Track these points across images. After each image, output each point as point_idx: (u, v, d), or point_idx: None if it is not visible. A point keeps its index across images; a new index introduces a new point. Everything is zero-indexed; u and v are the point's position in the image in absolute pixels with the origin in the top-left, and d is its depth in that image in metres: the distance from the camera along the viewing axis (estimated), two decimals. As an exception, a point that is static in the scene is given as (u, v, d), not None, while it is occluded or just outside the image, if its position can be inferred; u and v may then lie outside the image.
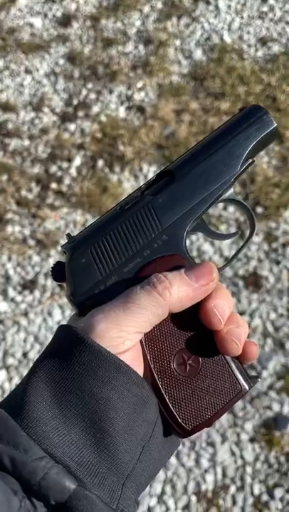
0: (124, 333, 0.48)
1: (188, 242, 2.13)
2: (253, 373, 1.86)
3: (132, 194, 0.57)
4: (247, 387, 0.52)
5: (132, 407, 0.47)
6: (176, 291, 0.50)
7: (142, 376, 0.49)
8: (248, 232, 0.60)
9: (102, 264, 0.53)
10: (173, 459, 1.74)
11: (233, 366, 0.52)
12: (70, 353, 0.47)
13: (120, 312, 0.48)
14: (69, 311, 2.06)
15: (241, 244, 0.58)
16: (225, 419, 1.79)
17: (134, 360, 0.49)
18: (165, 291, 0.49)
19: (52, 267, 0.56)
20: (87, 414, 0.45)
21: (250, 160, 0.57)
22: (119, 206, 0.56)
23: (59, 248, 2.20)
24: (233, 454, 1.74)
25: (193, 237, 2.15)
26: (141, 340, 0.51)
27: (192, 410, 0.51)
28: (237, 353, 0.51)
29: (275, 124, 0.57)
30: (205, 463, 1.73)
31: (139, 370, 0.50)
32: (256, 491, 1.68)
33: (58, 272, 0.55)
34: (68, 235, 0.56)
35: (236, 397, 0.51)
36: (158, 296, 0.49)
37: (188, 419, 0.50)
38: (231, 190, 0.57)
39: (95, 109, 2.59)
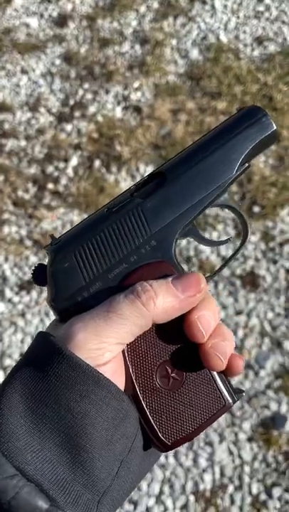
0: (104, 344, 0.45)
1: (184, 242, 2.13)
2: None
3: (121, 195, 0.54)
4: (231, 402, 0.50)
5: (110, 421, 0.45)
6: (162, 302, 0.47)
7: (122, 388, 0.48)
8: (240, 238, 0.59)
9: (86, 269, 0.50)
10: (171, 459, 1.74)
11: (218, 380, 0.50)
12: (47, 364, 0.45)
13: (101, 322, 0.46)
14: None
15: (233, 252, 0.55)
16: (223, 418, 1.79)
17: (115, 372, 0.47)
18: (149, 302, 0.47)
19: (33, 269, 0.53)
20: (63, 429, 0.43)
21: (247, 164, 0.54)
22: (107, 208, 0.52)
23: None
24: (231, 453, 1.74)
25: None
26: (123, 351, 0.49)
27: (173, 424, 0.49)
28: (221, 369, 0.49)
29: (275, 127, 0.54)
30: (203, 462, 1.73)
31: (120, 381, 0.48)
32: (254, 491, 1.68)
33: (39, 275, 0.52)
34: (52, 236, 0.54)
35: (219, 412, 0.50)
36: (141, 307, 0.46)
37: (168, 434, 0.49)
38: (225, 195, 0.54)
39: (92, 109, 2.58)
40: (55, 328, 0.50)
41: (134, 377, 0.49)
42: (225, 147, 0.53)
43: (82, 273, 0.50)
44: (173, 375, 0.50)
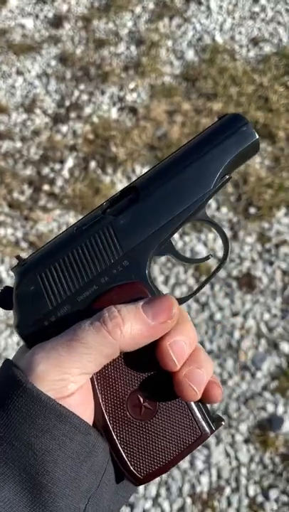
0: (67, 375, 0.42)
1: (180, 244, 2.13)
2: (247, 375, 1.86)
3: (93, 212, 0.50)
4: (208, 432, 0.47)
5: (75, 457, 0.42)
6: (129, 330, 0.44)
7: (90, 420, 0.45)
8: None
9: (54, 293, 0.47)
10: (168, 461, 1.74)
11: (194, 408, 0.47)
12: (8, 397, 0.42)
13: (63, 352, 0.43)
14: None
15: (213, 270, 0.53)
16: (219, 420, 1.79)
17: (81, 404, 0.44)
18: (116, 330, 0.43)
19: None
20: (24, 468, 0.40)
21: (227, 176, 0.51)
22: (76, 226, 0.49)
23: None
24: (227, 455, 1.74)
25: (186, 238, 2.15)
26: (92, 378, 0.46)
27: (145, 457, 0.46)
28: (194, 399, 0.46)
29: (257, 137, 0.50)
30: (200, 465, 1.72)
31: (88, 413, 0.45)
32: (251, 492, 1.67)
33: (5, 299, 0.49)
34: (18, 257, 0.50)
35: (195, 443, 0.47)
36: (107, 335, 0.43)
37: (140, 467, 0.46)
38: (204, 210, 0.51)
39: (87, 110, 2.58)
40: (22, 356, 0.47)
41: (103, 407, 0.46)
42: (202, 160, 0.49)
43: (48, 297, 0.47)
44: (145, 404, 0.47)
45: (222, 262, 0.53)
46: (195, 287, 2.04)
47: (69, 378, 0.43)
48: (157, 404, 0.47)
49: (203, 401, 0.48)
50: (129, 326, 0.44)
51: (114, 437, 0.46)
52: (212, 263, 2.08)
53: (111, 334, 0.43)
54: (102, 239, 0.48)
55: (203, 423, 0.47)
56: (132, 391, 0.47)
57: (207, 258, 0.53)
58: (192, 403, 0.47)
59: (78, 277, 0.48)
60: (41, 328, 0.47)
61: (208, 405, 0.49)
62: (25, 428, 0.41)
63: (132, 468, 0.46)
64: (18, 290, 0.48)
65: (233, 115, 0.51)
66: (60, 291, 0.47)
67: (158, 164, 0.52)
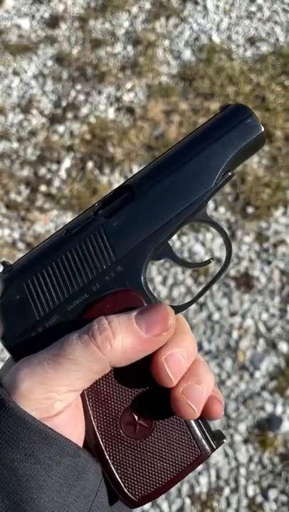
0: (53, 393, 0.39)
1: (177, 244, 2.12)
2: (246, 375, 1.85)
3: (84, 213, 0.46)
4: (209, 451, 0.43)
5: (62, 482, 0.39)
6: (120, 344, 0.40)
7: (80, 441, 0.42)
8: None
9: (41, 302, 0.43)
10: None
11: (193, 426, 0.43)
12: None
13: (49, 368, 0.39)
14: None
15: (216, 274, 0.48)
16: (218, 421, 1.78)
17: (69, 424, 0.41)
18: (105, 344, 0.40)
19: None
20: (7, 494, 0.37)
21: (230, 173, 0.46)
22: (66, 229, 0.45)
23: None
24: (226, 455, 1.73)
25: (184, 238, 2.14)
26: (82, 394, 0.43)
27: (141, 478, 0.43)
28: (192, 418, 0.42)
29: (262, 129, 0.46)
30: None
31: (77, 433, 0.42)
32: (250, 493, 1.67)
33: None
34: (3, 263, 0.46)
35: (195, 463, 0.43)
36: (96, 350, 0.39)
37: (135, 489, 0.43)
38: (204, 210, 0.47)
39: (84, 110, 2.57)
40: (7, 370, 0.43)
41: (95, 425, 0.43)
42: (202, 155, 0.45)
43: (35, 306, 0.43)
44: (140, 421, 0.43)
45: (225, 266, 0.47)
46: (193, 288, 2.03)
47: (55, 397, 0.39)
48: (153, 422, 0.43)
49: (203, 418, 0.44)
50: (120, 340, 0.40)
51: (107, 457, 0.43)
52: (211, 265, 2.07)
53: (100, 349, 0.40)
54: (93, 243, 0.44)
55: (203, 441, 0.43)
56: (125, 408, 0.43)
57: (208, 262, 0.48)
58: (191, 421, 0.44)
59: (68, 285, 0.44)
60: (28, 340, 0.43)
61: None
62: (8, 451, 0.38)
63: (126, 490, 0.43)
64: (3, 299, 0.44)
65: (236, 106, 0.47)
66: (49, 300, 0.44)
67: (154, 161, 0.47)
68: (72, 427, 0.41)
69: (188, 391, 0.41)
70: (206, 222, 0.47)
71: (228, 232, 2.15)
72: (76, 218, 0.46)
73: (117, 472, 0.43)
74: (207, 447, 0.43)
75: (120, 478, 0.43)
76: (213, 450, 0.44)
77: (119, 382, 0.43)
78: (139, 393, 0.44)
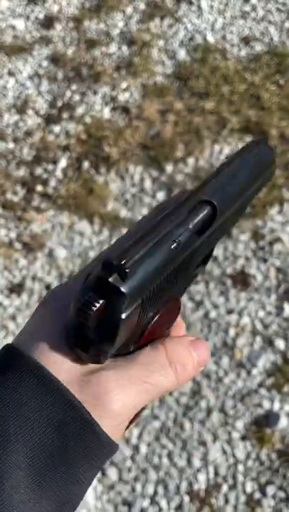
0: (130, 417, 0.38)
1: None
2: (243, 372, 1.86)
3: (171, 216, 0.40)
4: None
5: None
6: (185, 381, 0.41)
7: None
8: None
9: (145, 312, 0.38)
10: (165, 460, 1.74)
11: None
12: (65, 436, 0.34)
13: (138, 397, 0.37)
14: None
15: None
16: (216, 418, 1.79)
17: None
18: (183, 382, 0.40)
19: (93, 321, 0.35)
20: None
21: None
22: (176, 243, 0.39)
23: (46, 251, 2.19)
24: (224, 452, 1.74)
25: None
26: None
27: None
28: None
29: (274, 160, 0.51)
30: (197, 462, 1.73)
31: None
32: (248, 489, 1.68)
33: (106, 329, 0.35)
34: (109, 263, 0.35)
35: None
36: (176, 384, 0.40)
37: None
38: None
39: (80, 110, 2.58)
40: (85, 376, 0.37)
41: None
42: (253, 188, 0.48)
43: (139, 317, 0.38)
44: None
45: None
46: (192, 287, 2.04)
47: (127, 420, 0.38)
48: None
49: None
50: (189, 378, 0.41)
51: None
52: (209, 265, 2.08)
53: (178, 384, 0.40)
54: (190, 260, 0.41)
55: None
56: None
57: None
58: None
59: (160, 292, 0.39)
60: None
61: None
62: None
63: None
64: (130, 317, 0.36)
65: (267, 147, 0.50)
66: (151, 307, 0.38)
67: (222, 173, 0.45)
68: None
69: None
70: None
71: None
72: (167, 221, 0.40)
73: None
74: None
75: None
76: None
77: None
78: None
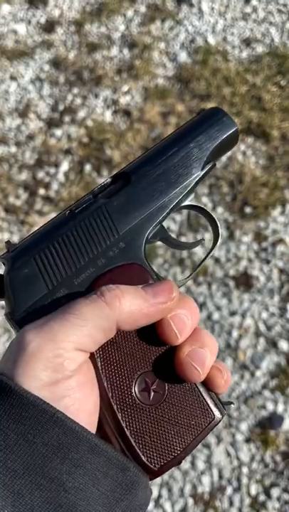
0: (61, 350, 0.38)
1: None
2: (247, 374, 1.85)
3: (84, 197, 0.50)
4: (220, 416, 0.45)
5: (110, 494, 0.37)
6: (128, 303, 0.41)
7: (96, 404, 0.40)
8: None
9: (49, 275, 0.45)
10: (169, 462, 1.73)
11: (205, 391, 0.45)
12: (32, 431, 0.36)
13: (55, 325, 0.39)
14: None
15: (205, 255, 0.52)
16: (219, 420, 1.78)
17: (84, 386, 0.40)
18: (114, 301, 0.41)
19: None
20: (55, 508, 0.36)
21: (212, 163, 0.53)
22: (69, 210, 0.48)
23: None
24: (228, 454, 1.73)
25: (183, 239, 2.15)
26: (96, 365, 0.43)
27: (158, 446, 0.42)
28: (197, 380, 0.43)
29: (237, 126, 0.53)
30: (201, 465, 1.72)
31: (93, 396, 0.41)
32: (253, 492, 1.67)
33: None
34: (8, 242, 0.48)
35: (208, 428, 0.44)
36: (104, 306, 0.40)
37: (154, 457, 0.42)
38: (192, 196, 0.52)
39: (81, 114, 2.58)
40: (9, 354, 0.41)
41: (110, 394, 0.43)
42: (189, 146, 0.51)
43: (44, 280, 0.45)
44: (154, 387, 0.44)
45: (214, 245, 0.53)
46: (192, 287, 2.04)
47: (63, 354, 0.38)
48: (166, 388, 0.44)
49: (208, 387, 0.45)
50: (128, 300, 0.42)
51: (124, 426, 0.42)
52: (209, 263, 2.08)
53: (109, 305, 0.41)
54: (96, 221, 0.48)
55: (215, 406, 0.45)
56: (138, 375, 0.44)
57: (199, 242, 0.54)
58: (200, 387, 0.45)
59: (74, 260, 0.46)
60: (36, 313, 0.44)
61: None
62: (56, 463, 0.36)
63: (145, 459, 0.42)
64: (11, 274, 0.45)
65: (213, 108, 0.54)
66: (56, 274, 0.46)
67: (146, 152, 0.53)
68: (88, 389, 0.41)
69: (193, 354, 0.43)
70: (193, 207, 0.53)
71: (224, 232, 2.15)
72: (76, 202, 0.49)
73: (134, 442, 0.42)
74: (219, 411, 0.45)
75: (138, 447, 0.42)
76: (223, 415, 0.45)
77: (131, 350, 0.44)
78: (151, 360, 0.45)
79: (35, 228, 2.23)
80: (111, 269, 0.46)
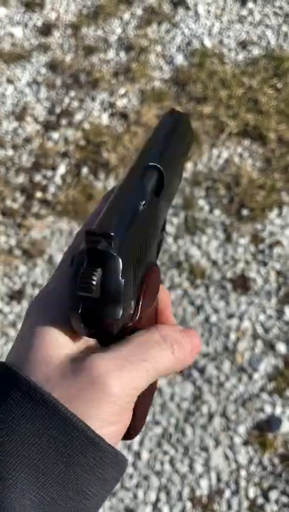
0: (135, 398, 0.37)
1: (174, 247, 2.13)
2: (244, 376, 1.86)
3: (133, 179, 0.42)
4: None
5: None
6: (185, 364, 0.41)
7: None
8: None
9: (136, 278, 0.38)
10: (167, 466, 1.73)
11: None
12: (69, 452, 0.33)
13: (135, 371, 0.36)
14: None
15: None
16: (217, 423, 1.78)
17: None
18: (182, 365, 0.40)
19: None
20: None
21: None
22: (141, 205, 0.39)
23: (46, 257, 2.19)
24: (226, 457, 1.73)
25: (180, 242, 2.15)
26: None
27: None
28: None
29: (185, 114, 0.52)
30: (199, 468, 1.72)
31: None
32: (251, 495, 1.67)
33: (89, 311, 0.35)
34: (93, 232, 0.35)
35: None
36: (175, 364, 0.39)
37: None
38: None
39: (78, 116, 2.58)
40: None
41: None
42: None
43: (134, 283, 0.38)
44: None
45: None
46: (190, 290, 2.04)
47: (132, 400, 0.37)
48: None
49: None
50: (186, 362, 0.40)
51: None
52: (206, 266, 2.08)
53: (175, 364, 0.39)
54: (154, 221, 0.42)
55: None
56: None
57: None
58: None
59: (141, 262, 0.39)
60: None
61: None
62: (93, 481, 0.35)
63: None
64: (124, 278, 0.35)
65: (165, 115, 0.52)
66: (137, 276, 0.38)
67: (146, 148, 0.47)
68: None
69: None
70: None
71: (221, 234, 2.15)
72: (130, 189, 0.41)
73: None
74: None
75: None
76: None
77: None
78: None
79: (33, 231, 2.24)
80: (151, 268, 0.40)
